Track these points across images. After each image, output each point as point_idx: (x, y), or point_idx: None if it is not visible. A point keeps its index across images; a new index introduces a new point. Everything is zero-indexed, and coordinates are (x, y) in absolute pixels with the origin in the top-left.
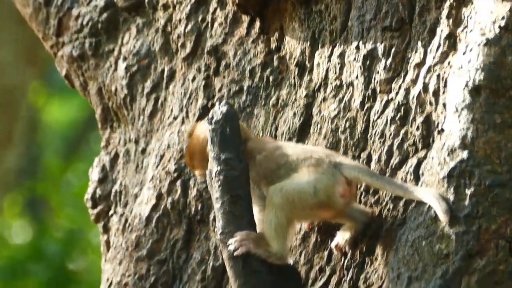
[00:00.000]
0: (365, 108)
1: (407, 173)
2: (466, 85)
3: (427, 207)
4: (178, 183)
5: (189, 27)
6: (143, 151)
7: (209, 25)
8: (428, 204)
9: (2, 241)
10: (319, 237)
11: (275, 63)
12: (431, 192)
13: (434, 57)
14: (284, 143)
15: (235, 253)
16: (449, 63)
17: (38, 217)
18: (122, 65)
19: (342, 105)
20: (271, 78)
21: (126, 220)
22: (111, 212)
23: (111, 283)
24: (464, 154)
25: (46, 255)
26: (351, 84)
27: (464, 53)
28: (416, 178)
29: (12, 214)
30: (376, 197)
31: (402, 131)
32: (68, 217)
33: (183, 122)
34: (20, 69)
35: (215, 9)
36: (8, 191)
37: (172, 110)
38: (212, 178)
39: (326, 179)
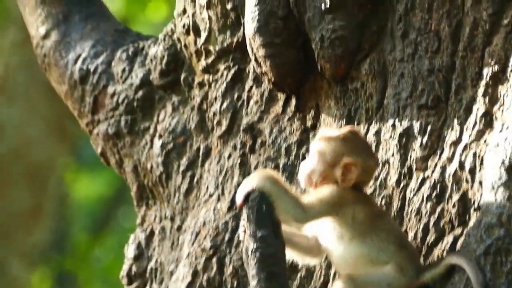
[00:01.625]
0: (401, 185)
1: (443, 250)
2: (503, 163)
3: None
4: (214, 260)
5: (224, 105)
6: (179, 228)
7: (245, 102)
8: (460, 282)
9: None
10: None
11: (311, 140)
12: (471, 260)
13: (470, 135)
14: (384, 211)
15: None
16: (485, 141)
17: None
18: (157, 143)
19: (378, 182)
20: (307, 156)
21: None
22: None
23: None
24: (501, 232)
25: None
26: (387, 161)
27: (500, 131)
28: None
29: None
30: None
31: (438, 209)
32: None
33: (218, 200)
34: (49, 144)
35: (251, 87)
36: (37, 266)
37: (207, 188)
38: (248, 256)
39: (404, 281)
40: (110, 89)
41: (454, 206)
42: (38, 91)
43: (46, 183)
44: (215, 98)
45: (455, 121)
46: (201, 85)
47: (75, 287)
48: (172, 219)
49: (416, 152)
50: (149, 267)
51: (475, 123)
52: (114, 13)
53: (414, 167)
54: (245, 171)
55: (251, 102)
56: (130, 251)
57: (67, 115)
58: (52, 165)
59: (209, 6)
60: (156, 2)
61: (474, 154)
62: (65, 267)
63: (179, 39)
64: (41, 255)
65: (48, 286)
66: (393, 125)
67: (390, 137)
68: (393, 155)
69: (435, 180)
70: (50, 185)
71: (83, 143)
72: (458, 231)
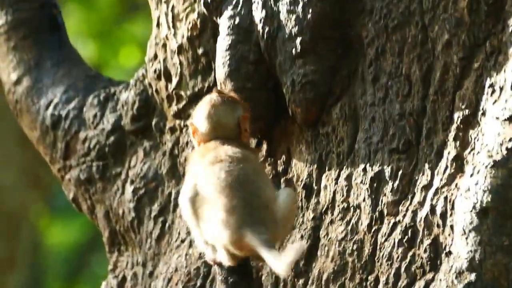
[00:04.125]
0: (373, 230)
1: None
2: (474, 207)
3: None
4: None
5: None
6: (151, 274)
7: None
8: None
9: None
10: None
11: (282, 185)
12: None
13: (441, 179)
14: None
15: None
16: (456, 185)
17: None
18: (129, 188)
19: (349, 227)
20: None
21: None
22: None
23: None
24: (472, 277)
25: None
26: (358, 206)
27: (471, 175)
28: None
29: None
30: None
31: (410, 254)
32: None
33: (190, 245)
34: (22, 191)
35: None
36: None
37: (179, 233)
38: None
39: None
40: (82, 135)
41: (425, 251)
42: (11, 138)
43: (19, 231)
44: (187, 143)
45: (426, 165)
46: (172, 130)
47: None
48: (144, 265)
49: (387, 196)
50: None
51: (446, 167)
52: (86, 59)
53: (385, 211)
54: None
55: None
56: None
57: (40, 162)
58: (26, 212)
59: (180, 51)
60: (129, 48)
61: (445, 199)
62: None
63: (150, 84)
64: None
65: None
66: (364, 170)
67: (361, 181)
68: (364, 200)
69: (406, 224)
70: (24, 233)
71: (56, 189)
72: (429, 276)
